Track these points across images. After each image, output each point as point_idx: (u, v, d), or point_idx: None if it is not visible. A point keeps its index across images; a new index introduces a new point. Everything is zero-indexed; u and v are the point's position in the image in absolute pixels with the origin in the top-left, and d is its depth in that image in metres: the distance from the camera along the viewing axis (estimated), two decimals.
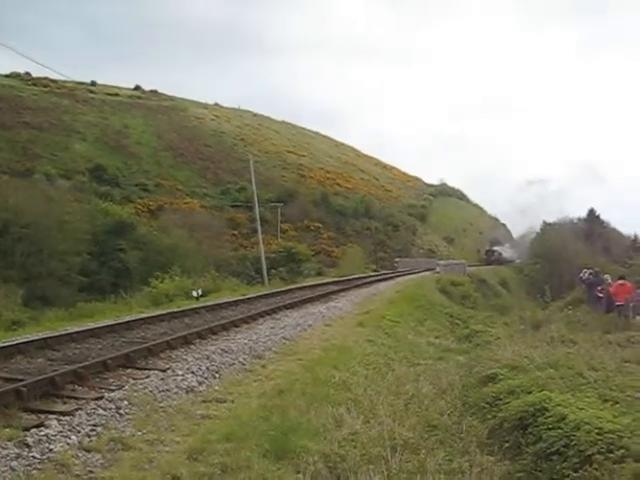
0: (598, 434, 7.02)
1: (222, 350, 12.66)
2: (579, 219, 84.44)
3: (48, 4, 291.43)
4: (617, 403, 8.83)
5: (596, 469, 6.57)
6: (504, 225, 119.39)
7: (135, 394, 8.88)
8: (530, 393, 9.05)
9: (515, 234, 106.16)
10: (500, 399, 9.57)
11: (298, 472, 6.38)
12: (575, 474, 6.70)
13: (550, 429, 7.60)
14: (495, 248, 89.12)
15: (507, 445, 7.91)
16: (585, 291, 28.19)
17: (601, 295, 24.66)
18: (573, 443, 7.09)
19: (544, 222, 79.94)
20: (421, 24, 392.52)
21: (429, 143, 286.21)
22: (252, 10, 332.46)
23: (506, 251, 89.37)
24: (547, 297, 26.26)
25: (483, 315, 31.34)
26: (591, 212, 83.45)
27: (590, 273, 28.15)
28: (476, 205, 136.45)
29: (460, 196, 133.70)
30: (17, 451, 6.40)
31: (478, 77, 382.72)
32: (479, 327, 23.50)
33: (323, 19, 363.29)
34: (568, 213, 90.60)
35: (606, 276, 25.44)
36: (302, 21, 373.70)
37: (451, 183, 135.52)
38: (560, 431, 7.41)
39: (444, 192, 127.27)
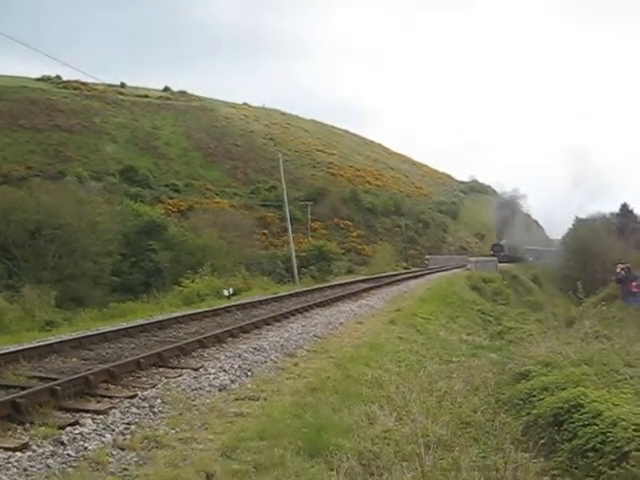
0: (635, 430, 6.92)
1: (254, 348, 12.67)
2: (612, 214, 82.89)
3: (77, 9, 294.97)
4: None
5: (633, 466, 6.48)
6: (536, 222, 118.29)
7: (168, 392, 8.92)
8: (564, 389, 8.95)
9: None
10: (534, 396, 9.49)
11: (332, 469, 6.37)
12: (612, 471, 6.62)
13: (586, 425, 7.51)
14: (503, 242, 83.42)
15: (542, 442, 7.82)
16: (619, 287, 27.86)
17: (636, 290, 24.37)
18: (609, 439, 7.00)
19: (576, 218, 78.68)
20: (442, 21, 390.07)
21: (459, 139, 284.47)
22: (279, 12, 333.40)
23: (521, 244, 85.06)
24: (580, 293, 25.95)
25: (515, 312, 31.15)
26: (624, 207, 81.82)
27: (622, 269, 27.82)
28: None
29: (491, 192, 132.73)
30: (53, 449, 6.47)
31: (509, 72, 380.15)
32: (511, 324, 23.39)
33: (348, 18, 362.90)
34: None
35: None
36: (327, 22, 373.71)
37: (481, 179, 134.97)
38: (596, 427, 7.33)
39: (475, 189, 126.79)
